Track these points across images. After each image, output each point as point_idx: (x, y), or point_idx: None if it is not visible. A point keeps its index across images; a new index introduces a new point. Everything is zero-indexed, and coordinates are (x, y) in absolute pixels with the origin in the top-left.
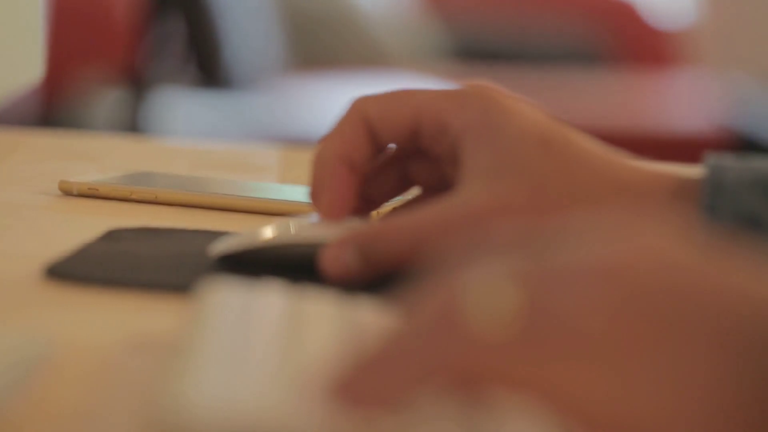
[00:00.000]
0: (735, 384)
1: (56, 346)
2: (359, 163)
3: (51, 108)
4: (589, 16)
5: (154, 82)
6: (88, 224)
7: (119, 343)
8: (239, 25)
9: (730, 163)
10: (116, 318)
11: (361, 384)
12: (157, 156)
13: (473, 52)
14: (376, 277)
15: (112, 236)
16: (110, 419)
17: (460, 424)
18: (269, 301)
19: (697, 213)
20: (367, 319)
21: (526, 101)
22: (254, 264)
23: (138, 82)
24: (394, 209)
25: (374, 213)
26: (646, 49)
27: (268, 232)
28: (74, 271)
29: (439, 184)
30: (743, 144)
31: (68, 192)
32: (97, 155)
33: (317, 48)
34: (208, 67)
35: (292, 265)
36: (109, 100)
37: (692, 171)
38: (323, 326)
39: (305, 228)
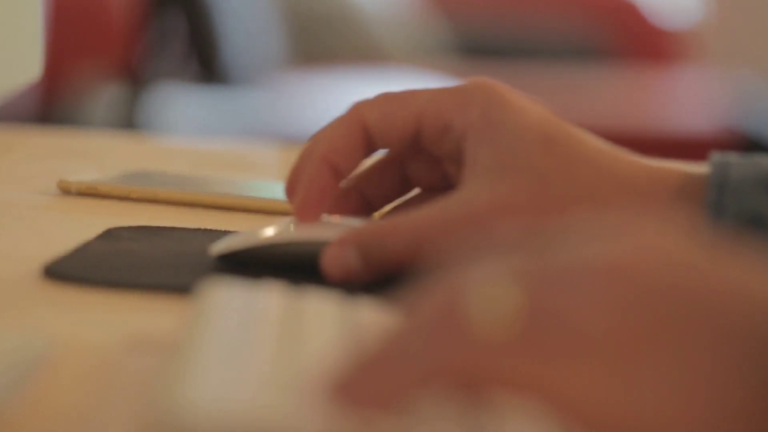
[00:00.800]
0: (738, 385)
1: (55, 346)
2: (344, 168)
3: (49, 105)
4: (592, 13)
5: (152, 78)
6: (87, 223)
7: (118, 343)
8: (238, 22)
9: (735, 160)
10: (115, 318)
11: (360, 384)
12: (156, 155)
13: (475, 48)
14: (377, 277)
15: (111, 235)
16: (109, 419)
17: (461, 425)
18: (269, 301)
19: (701, 211)
20: (367, 319)
21: (529, 97)
22: (254, 263)
23: (136, 78)
24: (395, 208)
25: (375, 215)
26: (649, 47)
27: (268, 231)
28: (72, 271)
29: (439, 184)
30: (748, 143)
31: (67, 191)
32: (96, 154)
33: (317, 44)
34: (207, 64)
35: (292, 264)
36: (107, 96)
37: (697, 168)
38: (323, 327)
39: (305, 227)
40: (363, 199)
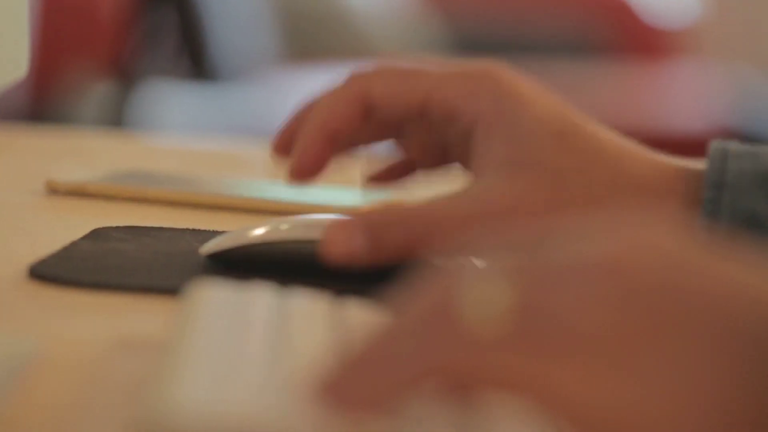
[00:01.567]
0: (735, 385)
1: (43, 347)
2: (343, 137)
3: (39, 102)
4: (587, 10)
5: (143, 75)
6: (75, 223)
7: (105, 344)
8: (229, 18)
9: (735, 149)
10: (102, 319)
11: (349, 384)
12: (145, 154)
13: (469, 45)
14: (376, 264)
15: (98, 235)
16: (97, 420)
17: (451, 427)
18: (258, 302)
19: (701, 210)
20: (356, 320)
21: (540, 86)
22: (244, 263)
23: (127, 75)
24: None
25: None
26: (646, 44)
27: (257, 230)
28: (58, 272)
29: (436, 161)
30: (744, 142)
31: (55, 191)
32: (84, 153)
33: (308, 41)
34: (198, 60)
35: (282, 263)
36: (97, 93)
37: (700, 164)
38: (312, 328)
39: (295, 226)
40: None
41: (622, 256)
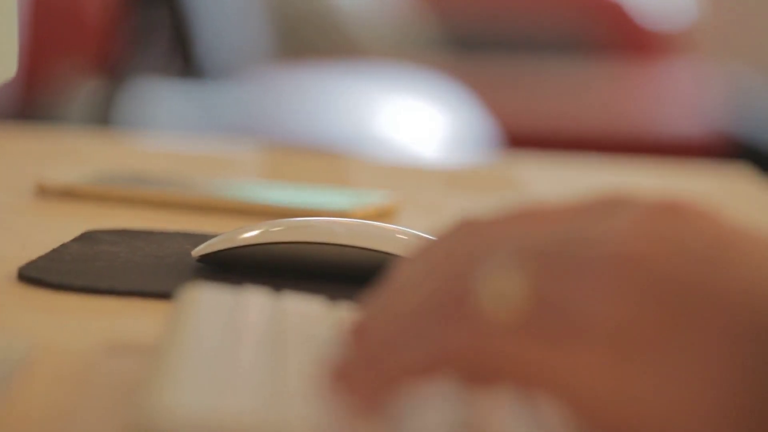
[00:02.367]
0: (749, 383)
1: (33, 350)
2: None
3: (28, 101)
4: (582, 10)
5: (132, 73)
6: (66, 225)
7: (96, 347)
8: (219, 16)
9: None
10: (93, 321)
11: (363, 368)
12: (136, 155)
13: (463, 43)
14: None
15: (89, 238)
16: (87, 424)
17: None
18: (251, 306)
19: None
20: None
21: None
22: (236, 265)
23: (116, 73)
24: None
25: None
26: (641, 45)
27: (250, 232)
28: (48, 275)
29: None
30: (739, 147)
31: (45, 192)
32: (74, 154)
33: (300, 39)
34: (188, 59)
35: (274, 265)
36: (86, 91)
37: None
38: (305, 332)
39: (288, 228)
40: None
41: (640, 249)
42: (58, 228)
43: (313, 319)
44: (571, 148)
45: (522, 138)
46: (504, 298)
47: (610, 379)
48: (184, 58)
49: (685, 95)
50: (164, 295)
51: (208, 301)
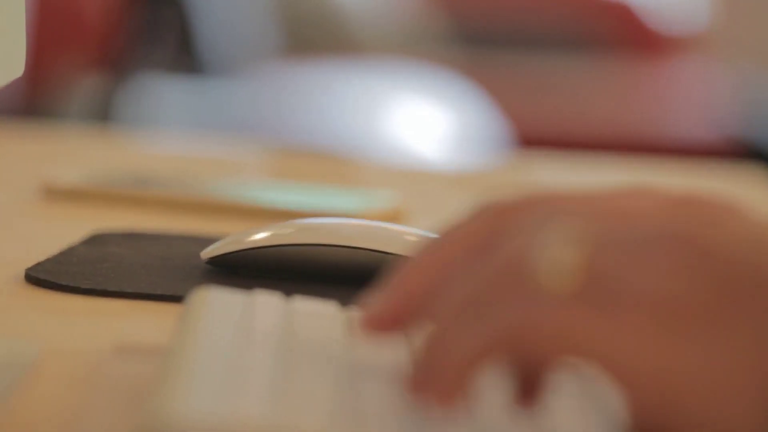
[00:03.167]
0: None
1: (41, 352)
2: None
3: (31, 97)
4: (590, 10)
5: (137, 70)
6: (73, 226)
7: (105, 349)
8: (224, 12)
9: None
10: (101, 324)
11: (437, 364)
12: (142, 155)
13: (471, 41)
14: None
15: (97, 239)
16: (96, 426)
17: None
18: (261, 309)
19: None
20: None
21: None
22: (245, 267)
23: (120, 70)
24: None
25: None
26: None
27: (259, 234)
28: (55, 277)
29: None
30: (747, 150)
31: (51, 193)
32: (80, 155)
33: (305, 36)
34: (192, 55)
35: (284, 268)
36: (90, 88)
37: None
38: (317, 336)
39: (298, 230)
40: None
41: (694, 229)
42: (64, 230)
43: (323, 321)
44: (581, 148)
45: (531, 137)
46: (560, 273)
47: (658, 352)
48: (188, 55)
49: (696, 96)
50: (173, 298)
51: (219, 304)
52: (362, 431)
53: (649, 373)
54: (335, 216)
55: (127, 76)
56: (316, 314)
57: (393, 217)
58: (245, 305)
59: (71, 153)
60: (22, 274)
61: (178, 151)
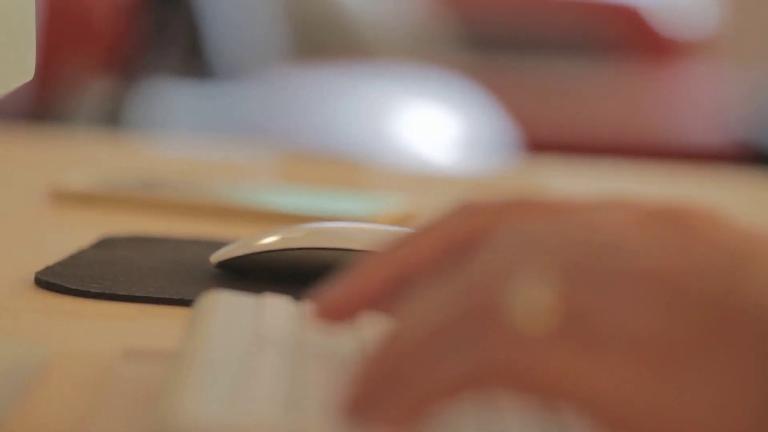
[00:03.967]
0: None
1: (51, 355)
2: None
3: (40, 100)
4: (599, 14)
5: (146, 73)
6: (82, 230)
7: (114, 353)
8: (233, 16)
9: None
10: (111, 327)
11: (395, 386)
12: (151, 159)
13: (479, 45)
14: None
15: (106, 243)
16: (105, 430)
17: None
18: (270, 313)
19: None
20: (371, 332)
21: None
22: (254, 271)
23: (129, 73)
24: None
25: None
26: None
27: (269, 237)
28: (65, 281)
29: None
30: (757, 155)
31: (61, 197)
32: (90, 159)
33: (314, 39)
34: (201, 58)
35: (293, 272)
36: (98, 92)
37: None
38: (325, 339)
39: (307, 234)
40: None
41: (673, 262)
42: (74, 233)
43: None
44: (590, 153)
45: (540, 142)
46: (536, 313)
47: (641, 391)
48: (198, 59)
49: (705, 101)
50: (182, 302)
51: (228, 308)
52: None
53: (635, 412)
54: (344, 220)
55: (136, 80)
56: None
57: (402, 220)
58: (255, 309)
59: (81, 157)
60: (32, 277)
61: (187, 154)
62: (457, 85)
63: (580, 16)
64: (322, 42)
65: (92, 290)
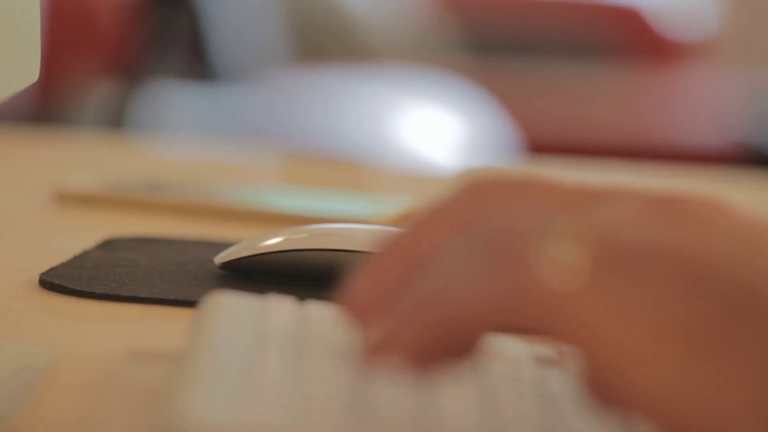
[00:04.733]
0: None
1: (55, 357)
2: None
3: (43, 103)
4: (601, 16)
5: (149, 76)
6: (86, 232)
7: (119, 354)
8: (236, 19)
9: None
10: (116, 328)
11: (414, 318)
12: (154, 160)
13: (481, 48)
14: None
15: (110, 245)
16: (110, 431)
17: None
18: (275, 314)
19: None
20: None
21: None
22: (258, 272)
23: (132, 76)
24: None
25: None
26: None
27: (273, 239)
28: (69, 282)
29: None
30: (758, 157)
31: (65, 198)
32: (93, 160)
33: (317, 42)
34: (204, 61)
35: (297, 273)
36: (101, 94)
37: None
38: (330, 340)
39: (311, 235)
40: None
41: (693, 247)
42: (78, 235)
43: (337, 327)
44: (591, 155)
45: (541, 144)
46: (565, 265)
47: (670, 362)
48: (200, 61)
49: (706, 103)
50: (186, 303)
51: (232, 309)
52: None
53: (658, 381)
54: (348, 221)
55: (139, 82)
56: (330, 319)
57: (404, 222)
58: (259, 310)
59: (85, 158)
60: (36, 279)
61: (190, 156)
62: (459, 87)
63: (581, 18)
64: (325, 44)
65: (96, 291)
